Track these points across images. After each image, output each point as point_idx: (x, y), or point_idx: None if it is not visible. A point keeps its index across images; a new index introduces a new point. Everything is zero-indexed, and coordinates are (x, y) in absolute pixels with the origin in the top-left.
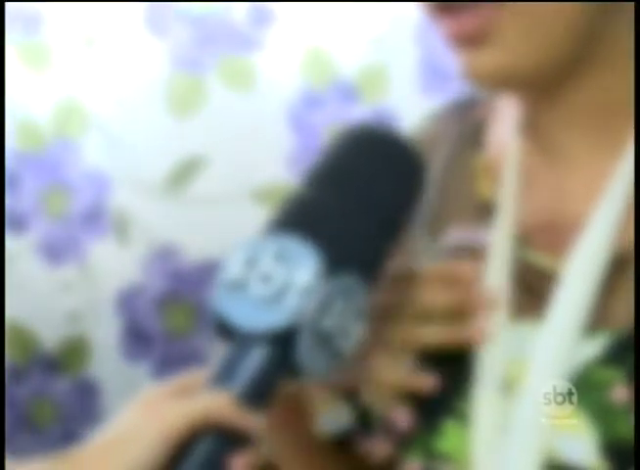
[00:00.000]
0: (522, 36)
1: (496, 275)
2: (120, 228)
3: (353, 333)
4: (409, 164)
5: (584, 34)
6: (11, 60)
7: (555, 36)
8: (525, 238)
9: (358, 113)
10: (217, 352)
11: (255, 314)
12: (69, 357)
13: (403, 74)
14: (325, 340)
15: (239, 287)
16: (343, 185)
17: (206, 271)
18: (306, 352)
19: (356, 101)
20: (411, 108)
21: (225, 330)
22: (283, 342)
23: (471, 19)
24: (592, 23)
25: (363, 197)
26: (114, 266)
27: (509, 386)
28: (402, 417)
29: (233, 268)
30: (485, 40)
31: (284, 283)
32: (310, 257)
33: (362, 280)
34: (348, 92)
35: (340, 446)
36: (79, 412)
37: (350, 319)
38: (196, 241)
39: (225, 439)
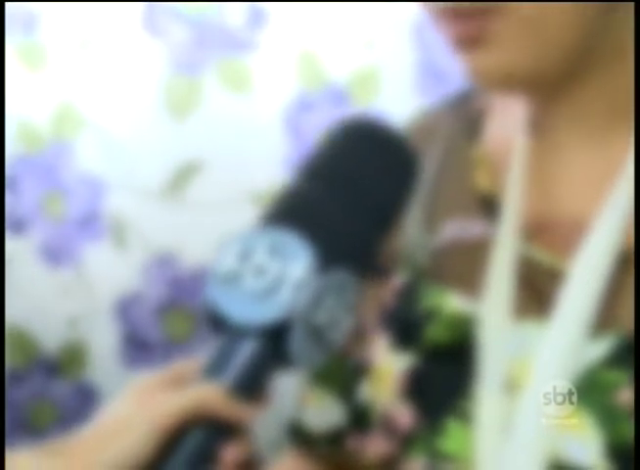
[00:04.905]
0: (520, 39)
1: (500, 272)
2: (117, 233)
3: (343, 326)
4: (402, 157)
5: (585, 36)
6: (10, 61)
7: (554, 38)
8: (527, 235)
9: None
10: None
11: (248, 307)
12: (69, 361)
13: (397, 78)
14: (316, 333)
15: (232, 279)
16: (336, 179)
17: (205, 277)
18: (298, 346)
19: (350, 104)
20: (405, 111)
21: (218, 322)
22: (275, 335)
23: (472, 22)
24: (593, 24)
25: (356, 191)
26: (112, 273)
27: (512, 385)
28: (404, 416)
29: (227, 261)
30: (485, 43)
31: (277, 276)
32: (304, 251)
33: (353, 275)
34: (342, 95)
35: (333, 443)
36: (79, 415)
37: (341, 313)
38: (193, 246)
39: (216, 430)
